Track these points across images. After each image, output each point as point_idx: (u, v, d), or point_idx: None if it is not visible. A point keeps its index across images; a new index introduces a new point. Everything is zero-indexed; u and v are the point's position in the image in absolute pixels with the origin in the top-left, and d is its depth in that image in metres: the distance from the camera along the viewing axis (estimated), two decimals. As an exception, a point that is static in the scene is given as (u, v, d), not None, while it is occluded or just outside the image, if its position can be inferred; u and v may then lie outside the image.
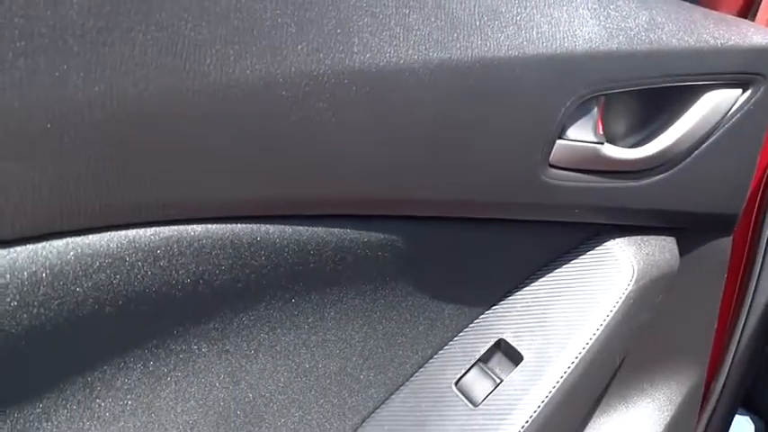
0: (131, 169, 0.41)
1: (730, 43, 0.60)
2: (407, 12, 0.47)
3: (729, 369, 0.87)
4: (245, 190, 0.46)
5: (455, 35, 0.48)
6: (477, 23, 0.49)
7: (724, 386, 0.88)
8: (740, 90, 0.62)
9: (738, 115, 0.62)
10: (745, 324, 0.85)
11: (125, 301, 0.45)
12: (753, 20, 0.87)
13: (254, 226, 0.48)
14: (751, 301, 0.85)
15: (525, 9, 0.51)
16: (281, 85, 0.43)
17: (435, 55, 0.48)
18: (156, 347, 0.49)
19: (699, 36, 0.58)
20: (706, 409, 0.89)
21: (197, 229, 0.46)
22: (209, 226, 0.47)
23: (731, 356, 0.87)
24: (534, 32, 0.51)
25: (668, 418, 0.79)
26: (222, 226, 0.47)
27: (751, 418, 1.06)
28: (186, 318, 0.49)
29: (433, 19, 0.48)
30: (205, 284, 0.48)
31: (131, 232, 0.44)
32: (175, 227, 0.45)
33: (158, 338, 0.49)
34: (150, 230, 0.44)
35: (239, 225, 0.48)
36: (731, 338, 0.86)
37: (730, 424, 0.96)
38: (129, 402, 0.49)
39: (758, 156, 0.67)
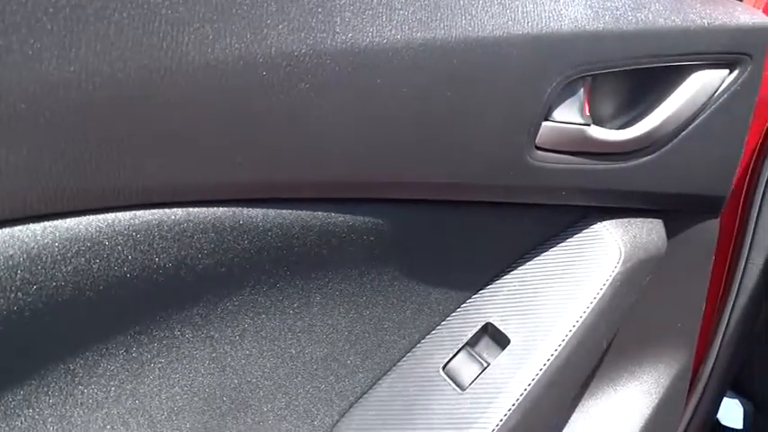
0: (109, 151, 0.40)
1: (717, 23, 0.59)
2: None
3: (718, 352, 0.87)
4: (226, 173, 0.45)
5: (439, 14, 0.48)
6: (461, 2, 0.49)
7: (712, 369, 0.88)
8: (727, 70, 0.62)
9: (725, 96, 0.62)
10: (733, 307, 0.85)
11: (105, 285, 0.44)
12: None
13: (237, 209, 0.48)
14: (739, 284, 0.85)
15: None
16: (261, 65, 0.42)
17: (419, 35, 0.47)
18: (139, 333, 0.48)
19: (686, 15, 0.58)
20: (694, 392, 0.90)
21: (178, 212, 0.46)
22: (191, 209, 0.46)
23: (720, 339, 0.87)
24: (519, 12, 0.51)
25: (656, 401, 0.79)
26: (204, 209, 0.47)
27: (740, 401, 1.07)
28: (169, 303, 0.49)
29: None
30: (187, 269, 0.48)
31: (110, 216, 0.43)
32: (156, 210, 0.45)
33: (141, 324, 0.48)
34: (129, 214, 0.44)
35: (221, 209, 0.47)
36: (719, 321, 0.86)
37: (719, 407, 0.96)
38: (113, 389, 0.49)
39: (745, 137, 0.67)
